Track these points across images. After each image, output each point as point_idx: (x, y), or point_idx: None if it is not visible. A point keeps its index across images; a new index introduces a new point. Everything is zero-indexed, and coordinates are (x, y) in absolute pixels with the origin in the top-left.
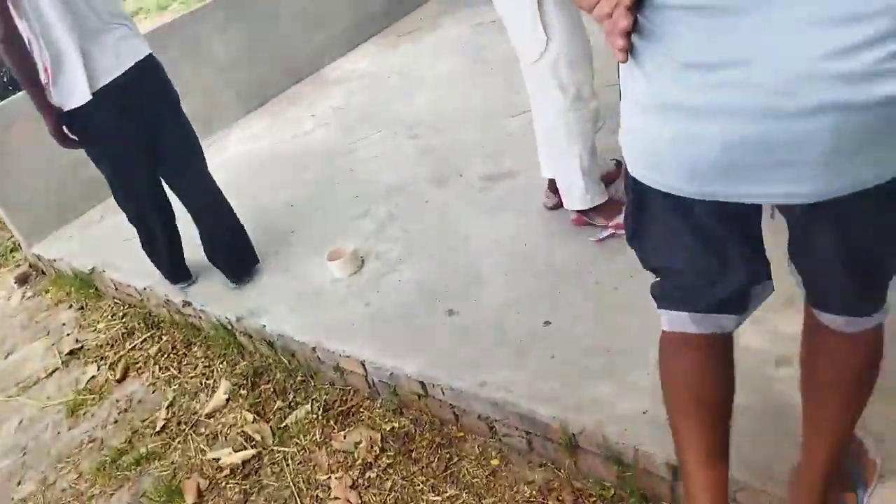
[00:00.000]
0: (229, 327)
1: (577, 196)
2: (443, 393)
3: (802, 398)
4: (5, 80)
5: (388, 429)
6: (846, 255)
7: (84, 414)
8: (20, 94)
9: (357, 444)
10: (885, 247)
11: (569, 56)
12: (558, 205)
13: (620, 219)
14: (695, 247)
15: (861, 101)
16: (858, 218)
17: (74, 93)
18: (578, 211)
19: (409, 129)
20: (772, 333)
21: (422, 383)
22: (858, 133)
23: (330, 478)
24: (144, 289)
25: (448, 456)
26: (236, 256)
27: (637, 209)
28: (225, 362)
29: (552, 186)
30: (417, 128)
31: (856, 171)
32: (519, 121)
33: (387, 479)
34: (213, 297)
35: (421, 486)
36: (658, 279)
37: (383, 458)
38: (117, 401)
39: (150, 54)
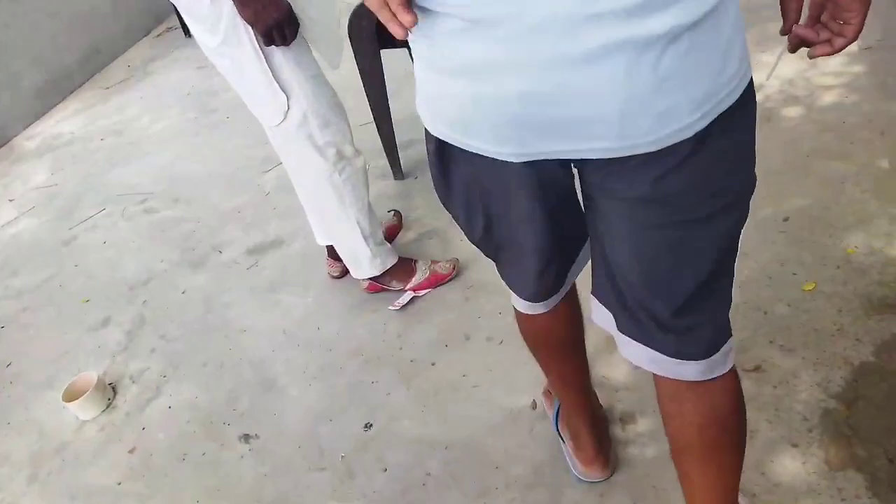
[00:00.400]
0: None
1: (364, 264)
2: None
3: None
4: None
5: None
6: (646, 248)
7: None
8: None
9: None
10: (693, 247)
11: (318, 113)
12: (345, 272)
13: (417, 279)
14: (503, 213)
15: (645, 35)
16: (661, 198)
17: None
18: (370, 278)
19: (140, 202)
20: (607, 388)
21: None
22: (651, 74)
23: None
24: None
25: None
26: None
27: (441, 173)
28: None
29: (332, 253)
30: (152, 199)
31: (654, 118)
32: (273, 176)
33: None
34: None
35: None
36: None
37: None
38: None
39: None
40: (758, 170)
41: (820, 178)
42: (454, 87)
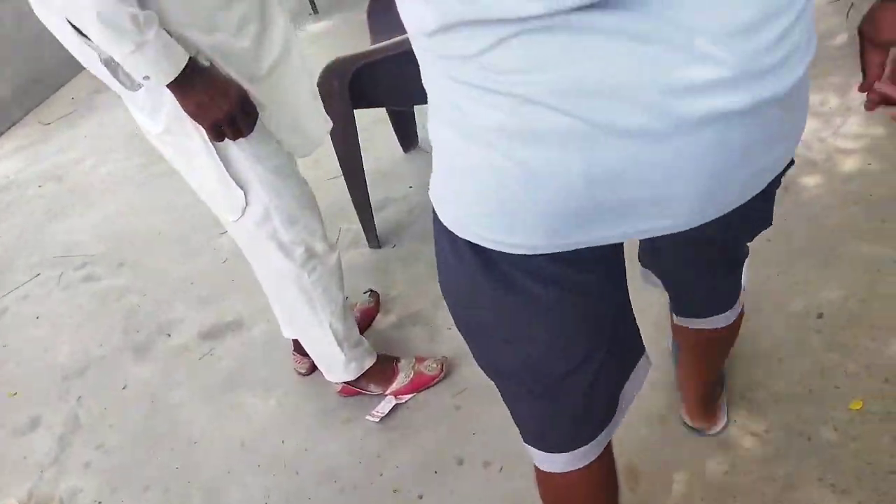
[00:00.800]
0: None
1: (338, 369)
2: None
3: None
4: None
5: None
6: (711, 258)
7: None
8: None
9: None
10: (747, 237)
11: (282, 209)
12: (313, 368)
13: (399, 382)
14: (558, 318)
15: (740, 106)
16: (726, 223)
17: None
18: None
19: (80, 267)
20: None
21: None
22: (739, 146)
23: None
24: None
25: None
26: None
27: (475, 289)
28: None
29: (299, 347)
30: (93, 263)
31: (736, 189)
32: (230, 240)
33: None
34: None
35: None
36: (517, 415)
37: None
38: None
39: None
40: (782, 252)
41: (852, 263)
42: (493, 160)
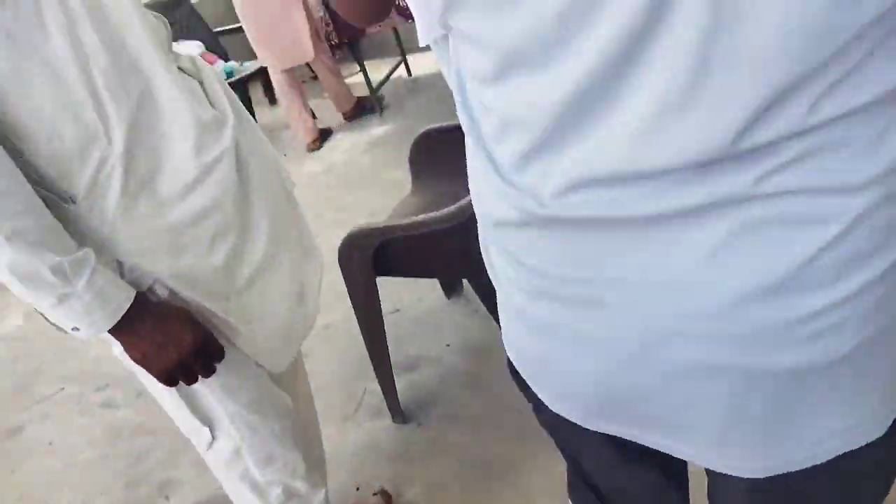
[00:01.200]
0: None
1: None
2: None
3: None
4: None
5: None
6: None
7: None
8: None
9: None
10: None
11: (255, 448)
12: None
13: None
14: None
15: (762, 368)
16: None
17: None
18: None
19: (102, 388)
20: None
21: None
22: (765, 409)
23: None
24: None
25: None
26: None
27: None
28: None
29: None
30: (114, 386)
31: (760, 452)
32: None
33: None
34: None
35: None
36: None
37: None
38: None
39: None
40: None
41: None
42: (516, 317)
